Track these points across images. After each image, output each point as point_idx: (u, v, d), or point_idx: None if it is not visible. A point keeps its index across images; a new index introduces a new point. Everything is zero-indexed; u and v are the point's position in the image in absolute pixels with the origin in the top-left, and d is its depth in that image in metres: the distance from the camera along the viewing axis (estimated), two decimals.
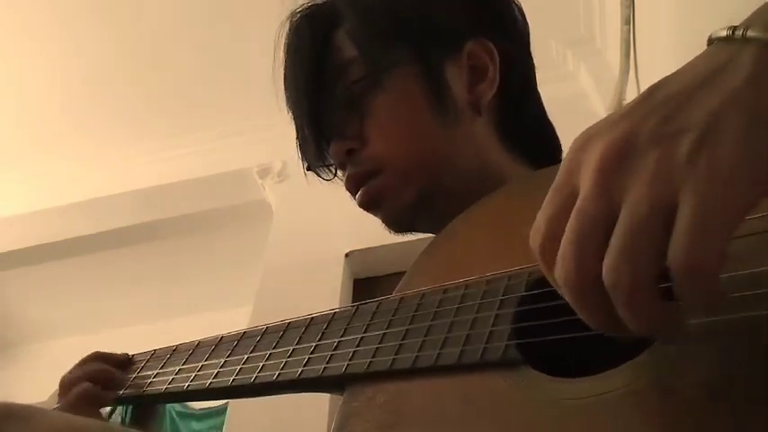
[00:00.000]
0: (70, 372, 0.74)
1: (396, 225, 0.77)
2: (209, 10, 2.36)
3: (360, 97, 0.73)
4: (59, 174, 2.79)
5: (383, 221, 0.77)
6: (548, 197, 0.36)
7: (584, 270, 0.33)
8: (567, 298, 0.35)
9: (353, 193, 0.75)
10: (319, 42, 0.76)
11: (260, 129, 2.58)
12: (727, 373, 0.34)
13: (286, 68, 0.79)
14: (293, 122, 0.80)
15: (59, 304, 3.23)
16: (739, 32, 0.34)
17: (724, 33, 0.35)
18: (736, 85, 0.32)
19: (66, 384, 0.72)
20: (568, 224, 0.34)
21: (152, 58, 2.48)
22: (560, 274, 0.34)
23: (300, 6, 0.79)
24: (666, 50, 1.60)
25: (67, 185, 2.76)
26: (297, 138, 0.80)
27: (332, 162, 0.79)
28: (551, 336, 0.44)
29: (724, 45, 0.35)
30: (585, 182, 0.34)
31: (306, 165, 0.81)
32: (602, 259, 0.33)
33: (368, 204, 0.75)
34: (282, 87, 0.80)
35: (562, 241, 0.34)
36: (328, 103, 0.75)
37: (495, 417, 0.43)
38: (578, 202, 0.34)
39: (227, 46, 2.45)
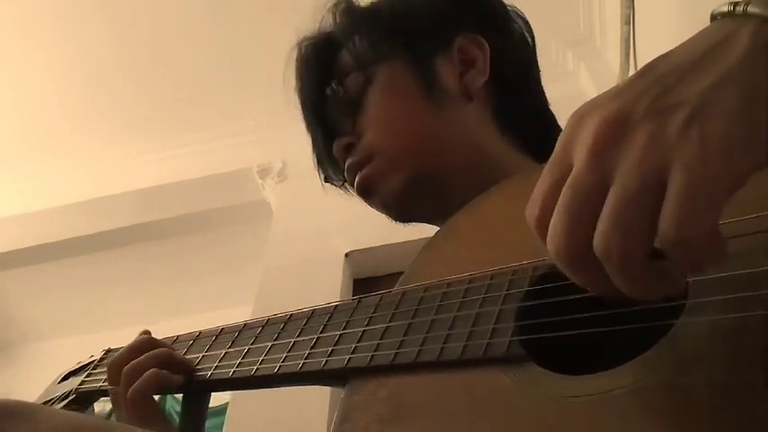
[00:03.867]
0: (128, 357, 0.68)
1: (392, 211, 0.79)
2: (209, 10, 2.36)
3: (352, 94, 0.77)
4: (59, 174, 2.78)
5: (381, 209, 0.79)
6: (544, 172, 0.37)
7: (575, 240, 0.34)
8: (560, 266, 0.35)
9: (353, 185, 0.78)
10: (324, 66, 0.80)
11: (260, 129, 2.58)
12: (735, 372, 0.34)
13: (299, 92, 0.84)
14: (312, 143, 0.85)
15: (59, 304, 3.22)
16: (740, 8, 0.34)
17: (725, 9, 0.35)
18: (733, 61, 0.32)
19: (134, 372, 0.66)
20: (561, 196, 0.34)
21: (152, 58, 2.48)
22: (551, 245, 0.35)
23: (307, 37, 0.84)
24: (666, 50, 1.60)
25: (67, 185, 2.76)
26: (313, 152, 0.85)
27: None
28: (556, 332, 0.44)
29: (724, 21, 0.35)
30: (579, 157, 0.34)
31: (323, 177, 0.85)
32: (592, 229, 0.33)
33: (363, 191, 0.77)
34: (295, 100, 0.84)
35: (554, 212, 0.34)
36: (330, 110, 0.80)
37: (498, 413, 0.42)
38: (571, 176, 0.34)
39: (226, 46, 2.45)
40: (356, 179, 0.77)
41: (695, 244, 0.30)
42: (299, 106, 0.85)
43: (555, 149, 0.37)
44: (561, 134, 0.37)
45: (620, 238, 0.32)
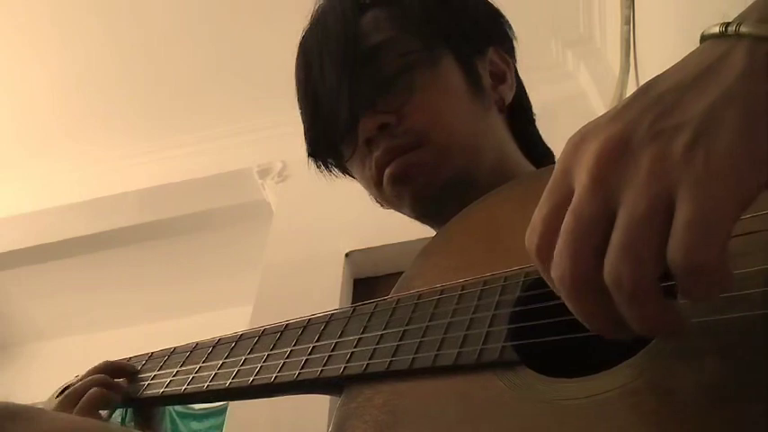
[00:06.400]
0: (76, 384, 0.76)
1: (422, 204, 0.74)
2: (208, 9, 2.36)
3: (404, 72, 0.73)
4: (59, 174, 2.79)
5: (410, 199, 0.74)
6: (543, 197, 0.36)
7: (581, 269, 0.33)
8: (564, 298, 0.34)
9: (383, 167, 0.72)
10: (356, 16, 0.76)
11: (260, 129, 2.58)
12: (726, 373, 0.34)
13: (311, 38, 0.78)
14: (303, 102, 0.79)
15: (59, 304, 3.23)
16: (732, 28, 0.34)
17: (717, 30, 0.35)
18: (731, 80, 0.32)
19: (78, 393, 0.73)
20: (564, 223, 0.34)
21: (152, 58, 2.48)
22: (557, 273, 0.34)
23: None
24: (666, 50, 1.60)
25: (67, 185, 2.76)
26: (310, 121, 0.78)
27: (340, 154, 0.77)
28: (548, 336, 0.44)
29: (717, 41, 0.35)
30: (581, 181, 0.34)
31: (311, 150, 0.80)
32: (598, 258, 0.32)
33: (399, 178, 0.72)
34: (293, 68, 0.79)
35: (558, 241, 0.34)
36: (362, 77, 0.73)
37: (492, 417, 0.43)
38: (574, 201, 0.34)
39: (226, 46, 2.45)
40: (395, 163, 0.71)
41: (706, 266, 0.29)
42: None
43: (553, 174, 0.36)
44: (560, 158, 0.36)
45: (630, 263, 0.31)
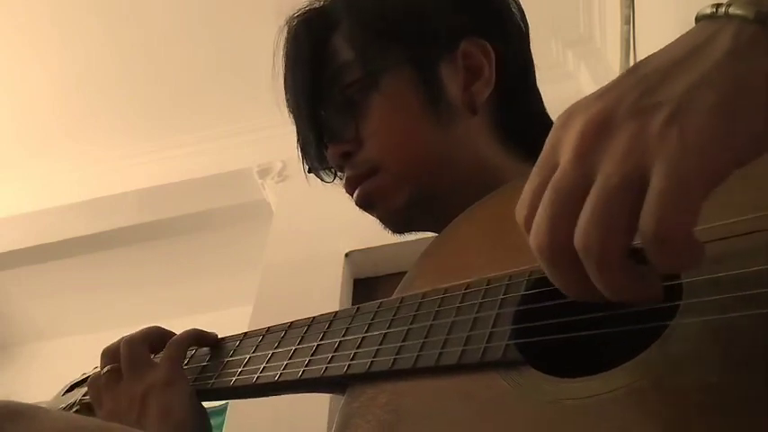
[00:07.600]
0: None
1: (392, 225, 0.78)
2: (208, 9, 2.36)
3: (355, 100, 0.74)
4: (59, 174, 2.79)
5: (380, 221, 0.78)
6: (533, 172, 0.37)
7: (557, 238, 0.34)
8: (542, 265, 0.36)
9: (351, 195, 0.76)
10: (317, 47, 0.76)
11: (260, 129, 2.58)
12: (729, 373, 0.34)
13: (286, 74, 0.79)
14: (294, 126, 0.81)
15: (59, 304, 3.22)
16: (722, 9, 0.35)
17: (708, 11, 0.36)
18: (713, 61, 0.33)
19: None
20: (544, 195, 0.35)
21: (152, 58, 2.48)
22: (534, 241, 0.35)
23: (298, 11, 0.80)
24: None
25: (67, 185, 2.76)
26: (297, 141, 0.81)
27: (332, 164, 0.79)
28: (553, 335, 0.44)
29: (708, 22, 0.35)
30: (565, 156, 0.35)
31: (307, 168, 0.82)
32: (573, 228, 0.33)
33: (363, 204, 0.76)
34: (283, 91, 0.80)
35: (538, 211, 0.35)
36: (326, 107, 0.76)
37: (496, 417, 0.43)
38: (555, 175, 0.35)
39: (226, 46, 2.45)
40: (357, 192, 0.74)
41: (674, 241, 0.30)
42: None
43: (543, 150, 0.37)
44: (549, 134, 0.37)
45: (600, 233, 0.32)
